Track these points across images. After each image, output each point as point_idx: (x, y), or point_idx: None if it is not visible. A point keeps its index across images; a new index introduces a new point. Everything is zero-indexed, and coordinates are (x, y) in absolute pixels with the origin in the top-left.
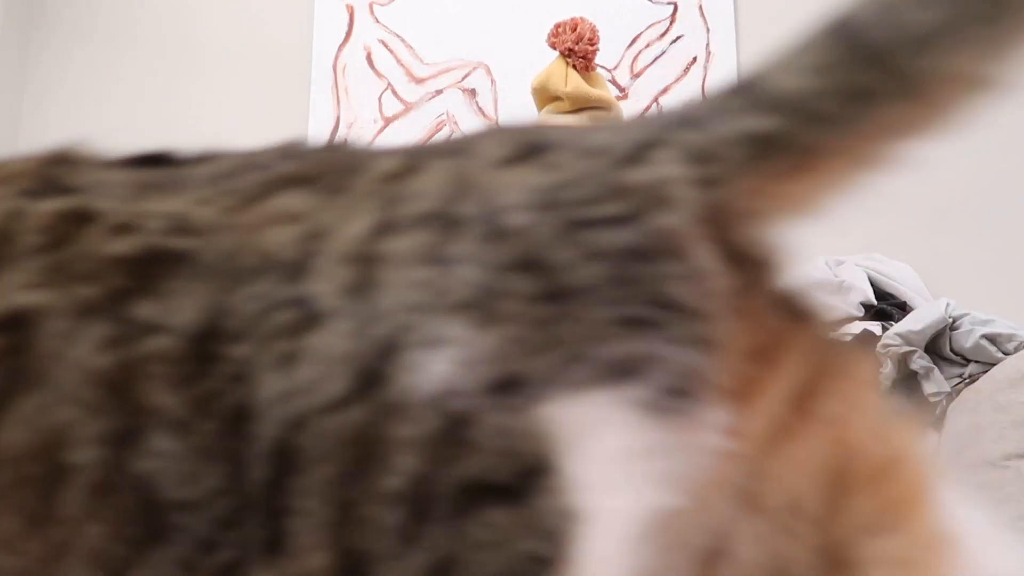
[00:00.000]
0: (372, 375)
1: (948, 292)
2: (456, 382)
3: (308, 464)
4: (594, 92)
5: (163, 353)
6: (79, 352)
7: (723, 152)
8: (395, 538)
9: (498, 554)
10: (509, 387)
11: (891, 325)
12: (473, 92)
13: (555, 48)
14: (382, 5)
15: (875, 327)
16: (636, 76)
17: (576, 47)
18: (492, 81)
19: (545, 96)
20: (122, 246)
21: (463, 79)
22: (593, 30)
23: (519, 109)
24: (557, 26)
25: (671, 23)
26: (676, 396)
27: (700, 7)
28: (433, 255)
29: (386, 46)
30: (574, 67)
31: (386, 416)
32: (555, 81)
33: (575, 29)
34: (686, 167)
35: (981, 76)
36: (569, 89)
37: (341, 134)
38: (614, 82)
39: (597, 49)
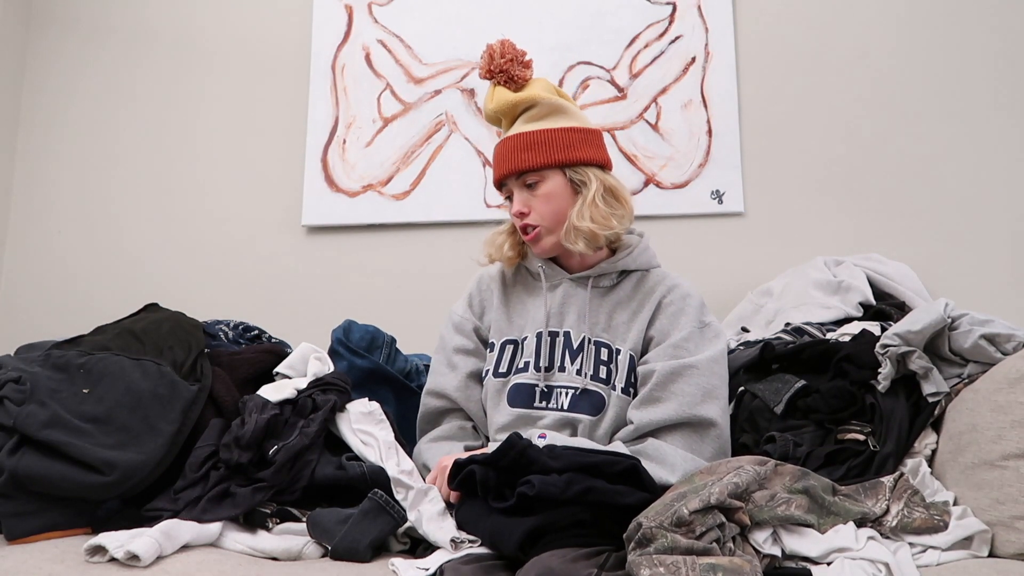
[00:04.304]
0: None
1: (947, 292)
2: None
3: None
4: (515, 96)
5: None
6: None
7: None
8: None
9: None
10: None
11: (890, 325)
12: (472, 92)
13: (482, 78)
14: (381, 5)
15: (874, 327)
16: (635, 76)
17: (491, 66)
18: None
19: (492, 122)
20: None
21: (462, 79)
22: (504, 45)
23: None
24: (481, 58)
25: (670, 23)
26: None
27: (699, 7)
28: None
29: (385, 46)
30: (502, 85)
31: None
32: (486, 105)
33: (490, 53)
34: None
35: None
36: (493, 105)
37: (340, 134)
38: (613, 82)
39: (513, 60)
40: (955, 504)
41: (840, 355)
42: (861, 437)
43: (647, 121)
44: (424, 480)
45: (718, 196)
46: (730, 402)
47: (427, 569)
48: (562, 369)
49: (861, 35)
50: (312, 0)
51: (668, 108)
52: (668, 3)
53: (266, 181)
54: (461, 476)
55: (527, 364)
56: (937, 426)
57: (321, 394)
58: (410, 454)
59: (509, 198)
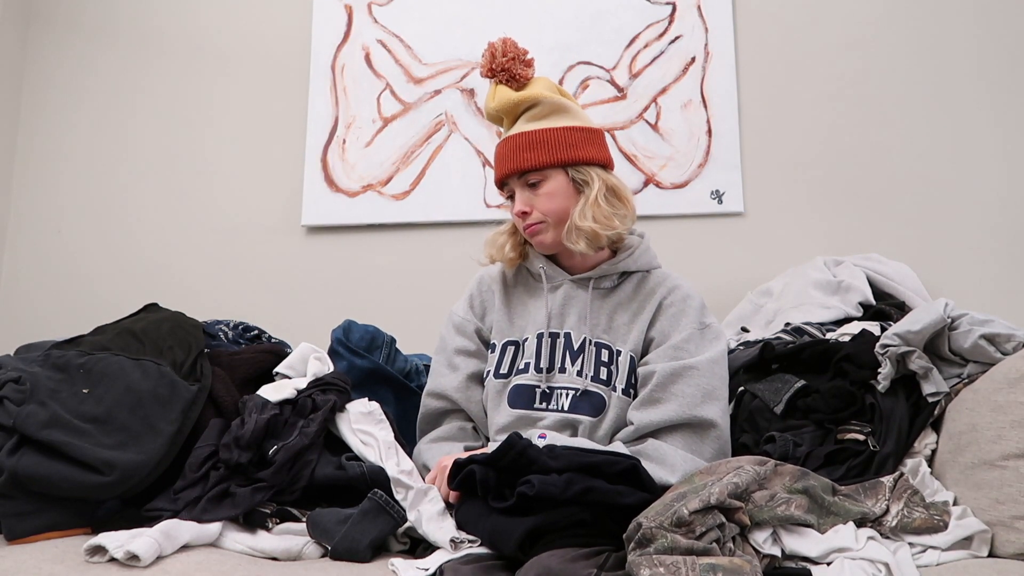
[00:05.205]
0: None
1: (947, 292)
2: None
3: None
4: (517, 95)
5: None
6: None
7: None
8: None
9: None
10: None
11: (890, 325)
12: (472, 92)
13: (484, 77)
14: (380, 5)
15: (874, 327)
16: (635, 76)
17: (493, 65)
18: None
19: (493, 121)
20: None
21: (461, 79)
22: (505, 43)
23: None
24: (483, 56)
25: (670, 23)
26: None
27: (699, 7)
28: None
29: (384, 46)
30: (503, 83)
31: None
32: (488, 104)
33: (491, 51)
34: None
35: None
36: (495, 104)
37: (339, 134)
38: (612, 82)
39: (515, 59)
40: (955, 504)
41: (840, 355)
42: (861, 437)
43: (647, 121)
44: (424, 480)
45: (718, 196)
46: (730, 402)
47: (427, 569)
48: (562, 370)
49: (862, 35)
50: (312, 0)
51: (668, 108)
52: (668, 3)
53: (266, 181)
54: (461, 476)
55: (527, 365)
56: (937, 426)
57: (321, 394)
58: (410, 454)
59: (511, 198)
